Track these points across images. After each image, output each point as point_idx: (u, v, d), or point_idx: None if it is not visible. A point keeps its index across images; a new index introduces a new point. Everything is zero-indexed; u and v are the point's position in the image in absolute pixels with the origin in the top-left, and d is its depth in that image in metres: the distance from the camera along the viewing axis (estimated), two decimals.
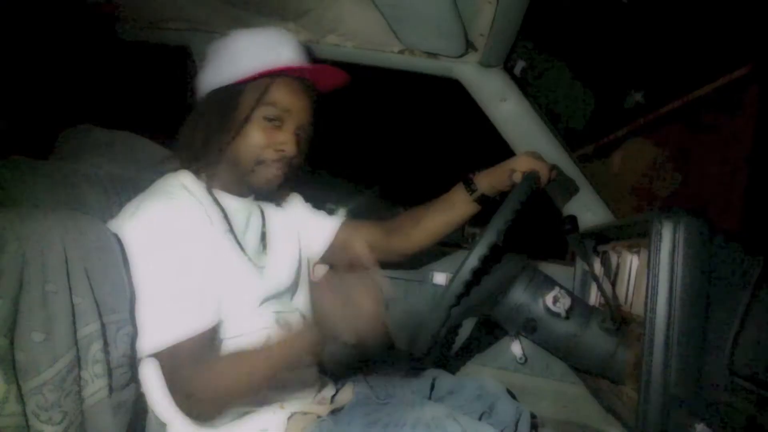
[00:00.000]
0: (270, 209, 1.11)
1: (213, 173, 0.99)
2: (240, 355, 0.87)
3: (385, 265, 1.20)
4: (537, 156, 1.07)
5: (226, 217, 0.98)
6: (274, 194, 1.09)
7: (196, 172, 0.99)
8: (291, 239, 1.12)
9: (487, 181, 1.10)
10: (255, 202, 1.07)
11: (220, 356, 0.91)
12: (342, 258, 1.20)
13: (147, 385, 0.92)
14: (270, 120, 0.96)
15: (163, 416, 0.93)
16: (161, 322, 0.86)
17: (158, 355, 0.86)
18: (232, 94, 0.96)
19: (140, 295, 0.87)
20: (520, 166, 1.04)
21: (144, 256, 0.87)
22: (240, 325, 0.95)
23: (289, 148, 0.96)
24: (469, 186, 1.11)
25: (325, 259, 1.21)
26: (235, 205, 1.01)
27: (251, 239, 1.03)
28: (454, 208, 1.13)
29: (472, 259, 0.90)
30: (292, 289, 1.10)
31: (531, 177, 0.98)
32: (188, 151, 0.98)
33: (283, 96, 0.96)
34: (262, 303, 0.98)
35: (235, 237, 0.98)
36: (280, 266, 1.05)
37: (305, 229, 1.17)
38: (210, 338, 0.89)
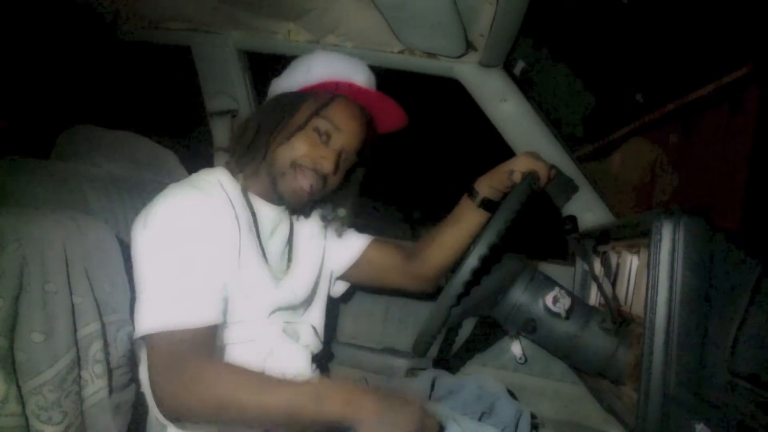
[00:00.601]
0: (300, 221, 1.11)
1: (251, 175, 0.99)
2: (255, 375, 0.81)
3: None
4: (536, 156, 1.06)
5: (255, 221, 0.97)
6: (305, 205, 1.08)
7: (234, 172, 0.99)
8: (316, 254, 1.12)
9: (487, 184, 1.09)
10: (286, 212, 1.06)
11: (229, 363, 0.86)
12: (363, 277, 1.21)
13: (147, 385, 0.92)
14: (319, 133, 0.97)
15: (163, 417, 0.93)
16: (162, 305, 0.81)
17: (149, 338, 0.80)
18: (293, 100, 0.99)
19: (150, 274, 0.84)
20: (519, 166, 1.04)
21: (164, 238, 0.85)
22: (245, 331, 0.93)
23: (327, 165, 0.96)
24: (471, 193, 1.11)
25: (346, 276, 1.20)
26: (266, 211, 1.01)
27: (275, 248, 1.03)
28: (461, 219, 1.12)
29: (473, 259, 0.90)
30: (308, 302, 1.09)
31: (530, 177, 0.98)
32: (237, 147, 0.99)
33: (338, 113, 0.98)
34: (272, 313, 0.97)
35: (260, 242, 0.98)
36: (300, 281, 1.05)
37: (332, 241, 1.16)
38: (209, 339, 0.84)
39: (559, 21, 1.41)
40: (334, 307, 1.53)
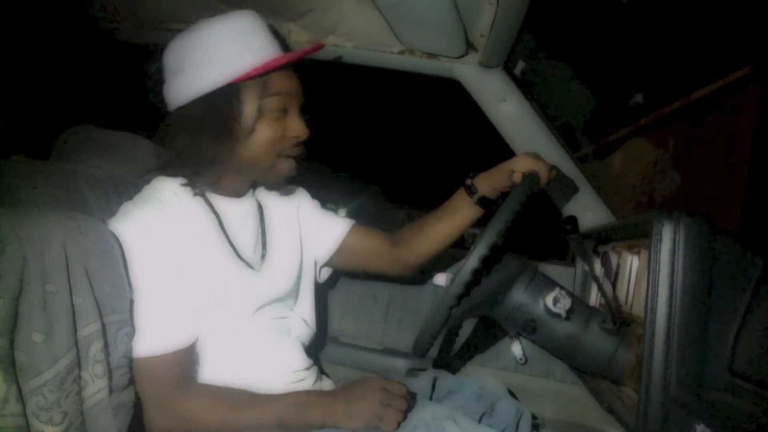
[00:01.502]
0: (270, 205, 1.07)
1: (209, 178, 0.95)
2: (238, 396, 0.88)
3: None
4: (536, 156, 1.04)
5: (219, 221, 0.96)
6: (275, 188, 1.07)
7: (190, 178, 0.94)
8: (292, 239, 1.09)
9: (487, 182, 1.06)
10: (251, 200, 1.03)
11: (212, 388, 0.90)
12: (347, 263, 1.18)
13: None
14: (278, 110, 0.92)
15: None
16: (144, 331, 0.86)
17: (137, 366, 0.86)
18: (228, 96, 0.89)
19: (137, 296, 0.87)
20: (519, 166, 1.02)
21: (141, 261, 0.87)
22: (234, 335, 0.94)
23: (303, 131, 0.94)
24: (469, 189, 1.08)
25: (329, 263, 1.18)
26: (229, 207, 0.98)
27: (247, 240, 1.00)
28: (455, 213, 1.09)
29: (473, 260, 0.90)
30: (294, 293, 1.07)
31: (531, 177, 0.98)
32: (192, 162, 0.92)
33: (284, 83, 0.92)
34: (258, 309, 0.97)
35: (229, 241, 0.96)
36: (280, 269, 1.03)
37: (311, 228, 1.13)
38: (187, 358, 0.89)
39: (560, 21, 1.41)
40: (332, 305, 1.53)
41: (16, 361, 0.74)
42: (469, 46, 1.27)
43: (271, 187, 1.04)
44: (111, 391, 0.86)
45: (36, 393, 0.75)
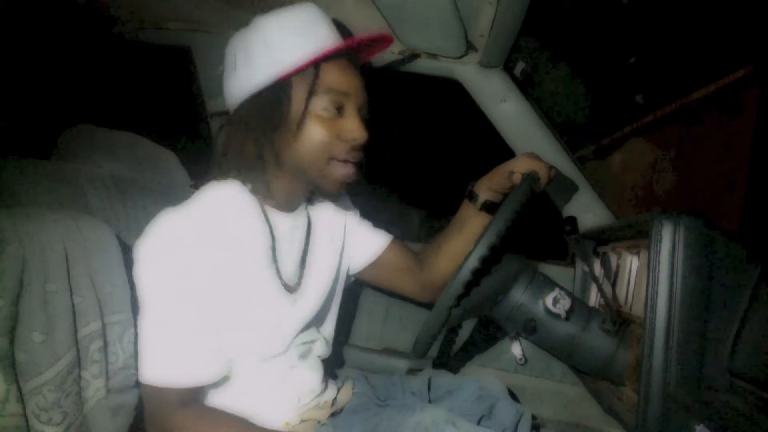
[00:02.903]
0: (320, 219, 1.01)
1: (265, 186, 0.87)
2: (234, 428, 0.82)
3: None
4: (536, 156, 1.03)
5: (272, 236, 0.88)
6: (329, 198, 1.00)
7: (247, 185, 0.88)
8: (334, 255, 1.02)
9: (487, 185, 1.03)
10: (303, 215, 0.96)
11: (211, 418, 0.83)
12: (377, 278, 1.14)
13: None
14: (329, 111, 0.83)
15: None
16: (156, 360, 0.80)
17: (143, 386, 0.82)
18: (277, 93, 0.83)
19: (147, 318, 0.80)
20: (518, 167, 0.99)
21: (157, 283, 0.78)
22: (260, 365, 0.89)
23: (360, 134, 0.84)
24: (471, 197, 1.05)
25: (360, 275, 1.13)
26: (281, 220, 0.91)
27: (291, 260, 0.93)
28: (465, 223, 1.05)
29: (472, 260, 0.90)
30: (323, 313, 1.01)
31: (530, 178, 0.98)
32: (239, 164, 0.86)
33: (338, 79, 0.83)
34: (293, 338, 0.91)
35: (275, 258, 0.88)
36: (316, 290, 0.96)
37: (353, 238, 1.08)
38: (198, 393, 0.84)
39: (560, 21, 1.41)
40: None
41: (17, 361, 0.74)
42: (469, 47, 1.27)
43: (325, 197, 0.97)
44: (111, 391, 0.86)
45: (36, 393, 0.75)
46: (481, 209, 1.04)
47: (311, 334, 0.98)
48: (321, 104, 0.83)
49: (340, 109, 0.85)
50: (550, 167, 1.03)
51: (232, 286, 0.82)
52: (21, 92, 1.54)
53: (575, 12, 1.43)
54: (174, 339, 0.79)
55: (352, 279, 1.17)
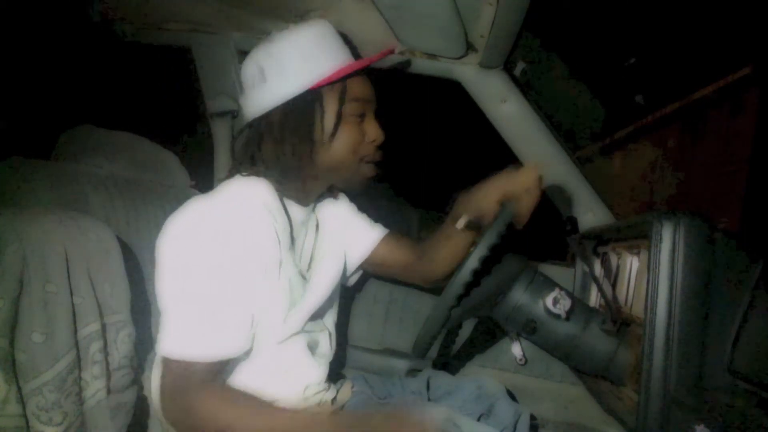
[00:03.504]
0: (323, 213, 1.07)
1: (282, 182, 0.93)
2: (256, 405, 0.80)
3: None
4: (513, 179, 0.97)
5: (291, 229, 0.93)
6: (329, 195, 1.07)
7: (276, 183, 0.92)
8: (338, 247, 1.07)
9: (467, 206, 1.00)
10: (312, 209, 1.02)
11: (233, 392, 0.83)
12: (375, 270, 1.18)
13: (152, 389, 0.90)
14: (356, 115, 0.94)
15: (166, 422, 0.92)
16: (184, 333, 0.79)
17: (165, 359, 0.79)
18: (310, 102, 0.91)
19: (175, 295, 0.80)
20: (499, 191, 0.96)
21: (193, 258, 0.80)
22: (273, 348, 0.90)
23: (381, 136, 0.96)
24: (452, 216, 1.04)
25: (360, 268, 1.16)
26: (297, 212, 0.96)
27: (304, 250, 0.99)
28: (449, 242, 1.06)
29: (473, 260, 0.90)
30: (329, 304, 1.04)
31: (511, 205, 0.96)
32: (276, 167, 0.92)
33: (361, 89, 0.95)
34: (305, 321, 0.94)
35: (293, 247, 0.94)
36: (323, 281, 0.99)
37: (348, 232, 1.12)
38: (223, 367, 0.83)
39: (560, 22, 1.41)
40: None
41: (17, 361, 0.74)
42: (469, 47, 1.27)
43: (343, 191, 1.05)
44: (111, 391, 0.87)
45: (36, 393, 0.75)
46: (463, 229, 1.02)
47: (317, 324, 1.00)
48: (350, 111, 0.93)
49: (362, 116, 0.95)
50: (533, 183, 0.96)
51: (261, 262, 0.85)
52: (21, 92, 1.54)
53: (575, 12, 1.44)
54: (205, 311, 0.79)
55: (359, 273, 1.19)
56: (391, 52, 1.03)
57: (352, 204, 1.16)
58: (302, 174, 0.93)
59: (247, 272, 0.82)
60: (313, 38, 0.93)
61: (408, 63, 1.36)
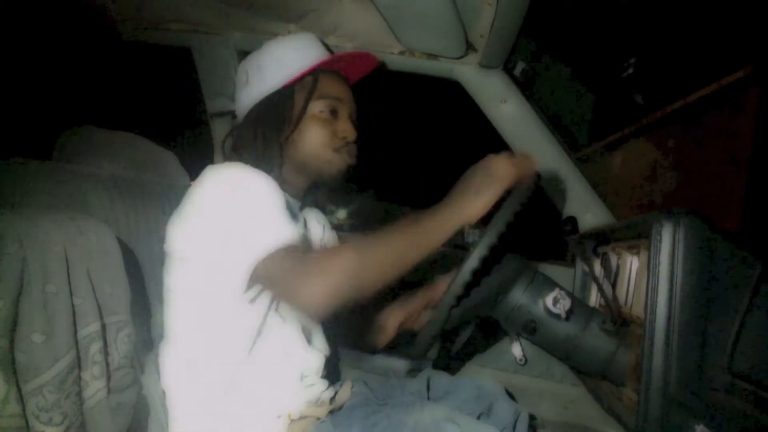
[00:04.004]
0: (306, 212, 1.13)
1: (272, 173, 0.96)
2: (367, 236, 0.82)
3: None
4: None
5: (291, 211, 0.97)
6: (311, 201, 1.13)
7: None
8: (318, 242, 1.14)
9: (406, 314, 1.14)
10: (300, 206, 1.09)
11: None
12: None
13: (167, 372, 0.93)
14: (325, 113, 1.01)
15: (176, 406, 0.93)
16: (260, 233, 0.81)
17: (262, 266, 0.80)
18: (282, 97, 1.01)
19: (225, 219, 0.83)
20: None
21: (230, 188, 0.86)
22: (274, 331, 0.93)
23: (351, 134, 1.01)
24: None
25: None
26: (294, 205, 1.03)
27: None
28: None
29: (472, 260, 0.90)
30: None
31: (533, 179, 0.98)
32: (250, 154, 0.99)
33: (331, 87, 1.02)
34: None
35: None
36: None
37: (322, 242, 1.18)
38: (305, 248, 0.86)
39: (559, 22, 1.41)
40: None
41: (17, 362, 0.74)
42: (469, 47, 1.27)
43: (324, 187, 1.07)
44: (111, 391, 0.87)
45: (36, 393, 0.75)
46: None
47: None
48: (318, 107, 1.01)
49: (334, 113, 1.02)
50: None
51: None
52: (21, 93, 1.54)
53: (575, 12, 1.44)
54: (263, 212, 0.84)
55: None
56: (365, 58, 1.09)
57: (327, 221, 1.22)
58: (277, 163, 1.00)
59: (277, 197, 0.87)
60: (292, 46, 1.04)
61: (402, 62, 1.36)
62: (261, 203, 0.85)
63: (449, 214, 0.85)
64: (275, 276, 0.80)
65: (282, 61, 1.03)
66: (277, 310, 0.94)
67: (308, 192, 1.09)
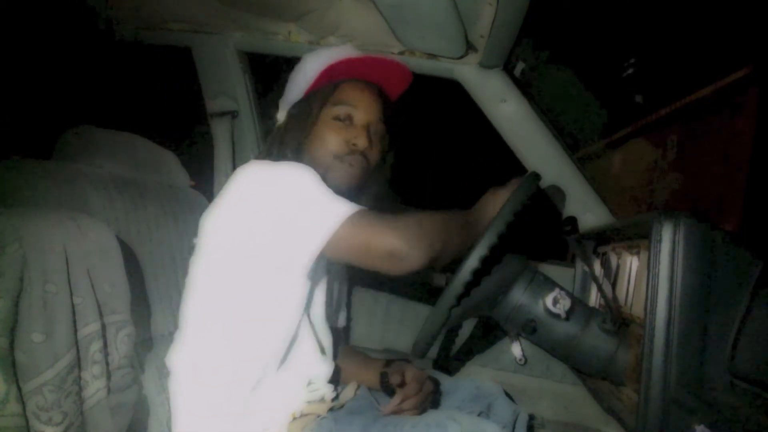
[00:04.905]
0: None
1: None
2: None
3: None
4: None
5: None
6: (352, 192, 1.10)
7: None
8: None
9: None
10: None
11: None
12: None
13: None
14: (340, 119, 1.00)
15: (180, 404, 0.92)
16: (329, 204, 0.84)
17: (344, 231, 0.82)
18: (303, 105, 1.04)
19: (293, 200, 0.85)
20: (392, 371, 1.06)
21: (279, 179, 0.87)
22: (281, 345, 0.93)
23: (361, 141, 0.98)
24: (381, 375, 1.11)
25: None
26: None
27: None
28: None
29: (472, 260, 0.90)
30: (338, 304, 1.19)
31: (532, 178, 0.98)
32: (276, 151, 1.03)
33: (347, 94, 1.02)
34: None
35: None
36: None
37: None
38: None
39: (560, 22, 1.41)
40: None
41: (16, 361, 0.74)
42: (469, 47, 1.27)
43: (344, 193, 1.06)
44: (111, 391, 0.87)
45: (36, 393, 0.75)
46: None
47: (330, 320, 1.07)
48: (332, 113, 1.01)
49: (348, 118, 1.01)
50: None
51: None
52: (21, 92, 1.54)
53: (575, 13, 1.44)
54: (320, 191, 0.86)
55: None
56: (397, 70, 1.09)
57: None
58: (300, 161, 0.98)
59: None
60: (325, 54, 1.04)
61: (408, 63, 1.36)
62: (313, 187, 0.86)
63: (490, 212, 0.94)
64: (357, 236, 0.82)
65: (310, 69, 1.04)
66: (308, 316, 0.96)
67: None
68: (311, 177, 0.87)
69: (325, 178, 0.97)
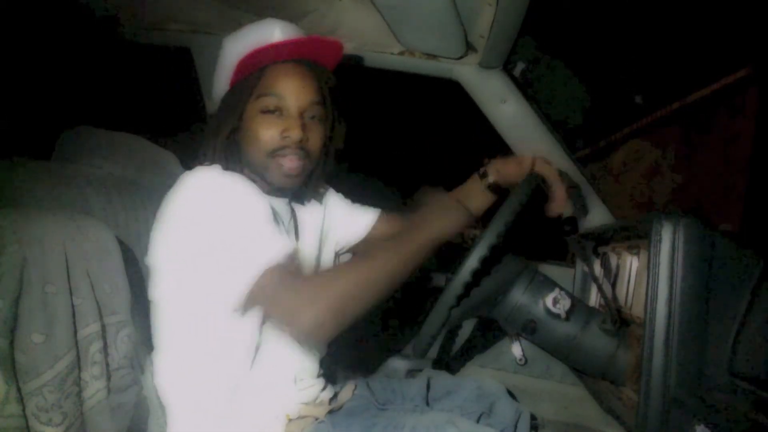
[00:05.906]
0: (300, 211, 1.07)
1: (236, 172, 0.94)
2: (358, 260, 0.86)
3: None
4: (548, 163, 1.07)
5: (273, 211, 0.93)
6: (304, 193, 1.06)
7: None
8: (316, 242, 1.09)
9: (498, 169, 1.11)
10: (286, 201, 1.03)
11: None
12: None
13: (161, 379, 0.92)
14: (268, 112, 0.91)
15: (173, 410, 0.92)
16: (252, 251, 0.80)
17: (258, 283, 0.78)
18: (228, 99, 0.96)
19: (213, 238, 0.81)
20: (531, 163, 1.05)
21: (214, 200, 0.83)
22: (256, 338, 0.92)
23: (294, 133, 0.90)
24: (481, 174, 1.13)
25: (354, 249, 1.19)
26: (277, 204, 0.98)
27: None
28: (468, 199, 1.10)
29: (472, 260, 0.90)
30: None
31: (533, 178, 0.98)
32: (207, 154, 0.96)
33: (273, 82, 0.92)
34: None
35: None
36: (306, 266, 1.03)
37: (339, 218, 1.14)
38: (294, 263, 0.84)
39: (559, 22, 1.41)
40: None
41: (16, 362, 0.74)
42: (469, 47, 1.27)
43: (286, 189, 1.01)
44: (111, 391, 0.86)
45: (36, 394, 0.75)
46: (486, 189, 1.11)
47: None
48: (259, 106, 0.92)
49: (277, 110, 0.92)
50: (561, 175, 1.06)
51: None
52: (21, 92, 1.54)
53: (575, 13, 1.44)
54: (252, 227, 0.82)
55: (347, 256, 1.21)
56: (326, 43, 1.00)
57: (337, 196, 1.17)
58: (230, 166, 0.93)
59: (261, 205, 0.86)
60: (242, 40, 0.95)
61: (402, 62, 1.36)
62: (247, 214, 0.83)
63: (431, 230, 0.87)
64: (268, 298, 0.80)
65: (232, 56, 0.94)
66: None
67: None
68: (250, 202, 0.84)
69: (264, 179, 0.94)
